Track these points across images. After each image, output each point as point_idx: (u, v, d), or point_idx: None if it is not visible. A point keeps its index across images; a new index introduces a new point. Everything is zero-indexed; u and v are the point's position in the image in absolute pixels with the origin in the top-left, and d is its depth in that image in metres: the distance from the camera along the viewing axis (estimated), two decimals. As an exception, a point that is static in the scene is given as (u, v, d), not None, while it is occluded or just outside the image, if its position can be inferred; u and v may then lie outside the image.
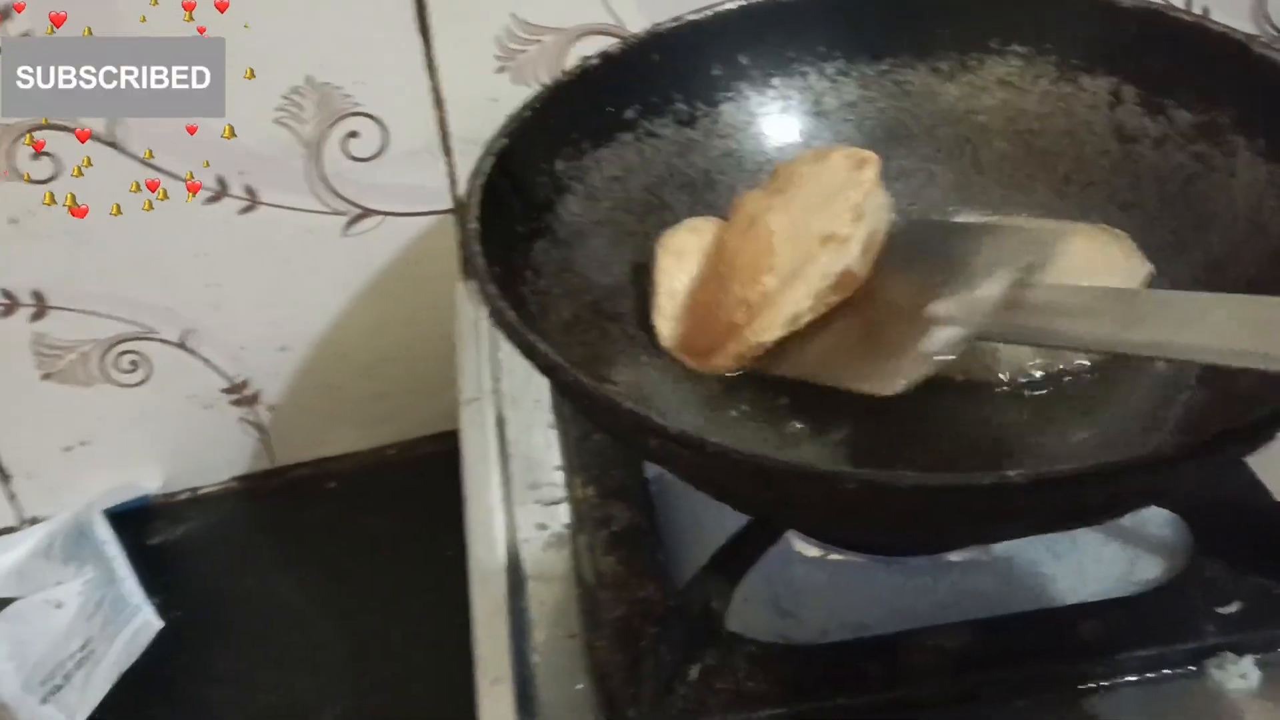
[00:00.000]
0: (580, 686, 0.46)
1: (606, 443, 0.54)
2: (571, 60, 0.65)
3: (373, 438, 0.76)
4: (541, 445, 0.58)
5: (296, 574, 0.72)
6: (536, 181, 0.52)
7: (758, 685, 0.44)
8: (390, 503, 0.74)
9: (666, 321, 0.51)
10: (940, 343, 0.45)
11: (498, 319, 0.42)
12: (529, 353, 0.41)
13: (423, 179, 0.67)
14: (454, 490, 0.58)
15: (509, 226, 0.49)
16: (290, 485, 0.76)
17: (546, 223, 0.52)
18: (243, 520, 0.75)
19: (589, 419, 0.50)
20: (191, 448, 0.73)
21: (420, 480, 0.74)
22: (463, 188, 0.68)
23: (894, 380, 0.45)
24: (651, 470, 0.53)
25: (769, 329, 0.48)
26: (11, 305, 0.66)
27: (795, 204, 0.50)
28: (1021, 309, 0.44)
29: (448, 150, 0.67)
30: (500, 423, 0.60)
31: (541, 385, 0.60)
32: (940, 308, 0.46)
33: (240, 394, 0.72)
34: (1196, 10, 0.70)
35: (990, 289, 0.45)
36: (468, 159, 0.66)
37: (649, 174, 0.56)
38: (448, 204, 0.69)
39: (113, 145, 0.62)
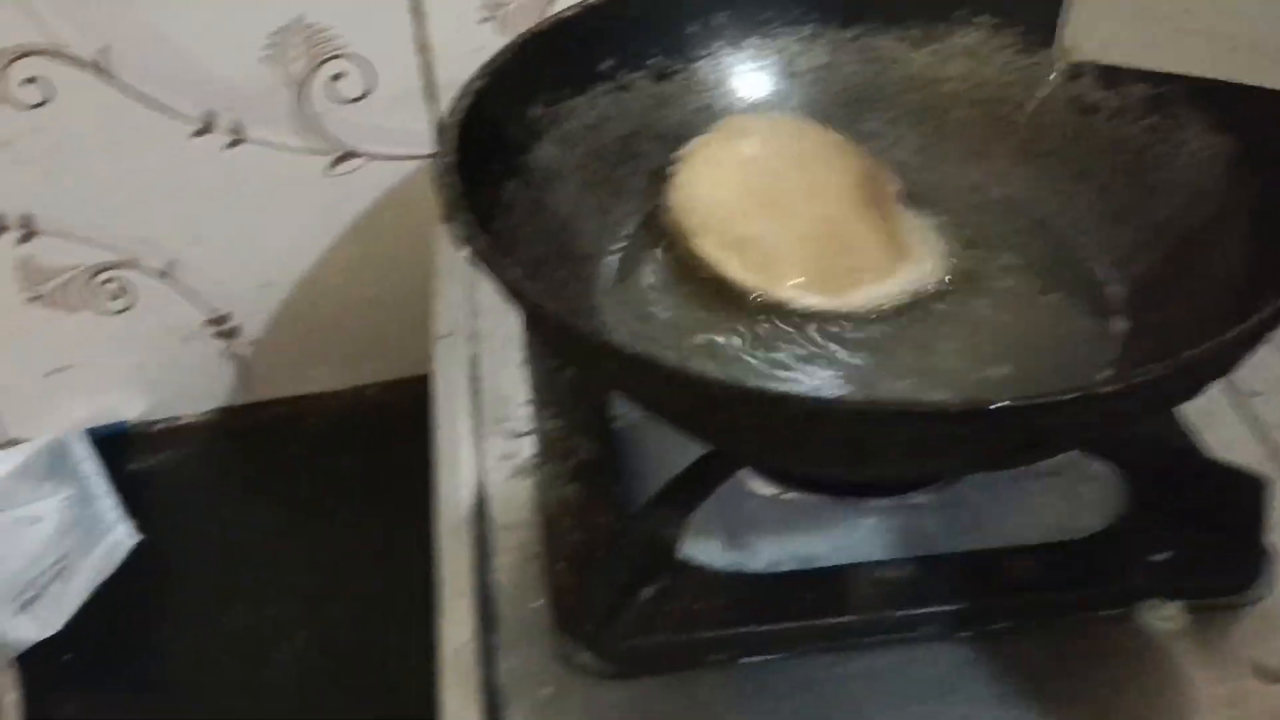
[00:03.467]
0: (539, 604, 0.48)
1: (573, 379, 0.56)
2: (556, 13, 0.66)
3: (352, 377, 0.78)
4: (511, 381, 0.60)
5: (269, 507, 0.73)
6: (511, 124, 0.53)
7: (705, 607, 0.47)
8: (366, 442, 0.76)
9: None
10: None
11: (469, 242, 0.44)
12: (497, 274, 0.42)
13: (407, 123, 0.69)
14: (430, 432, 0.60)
15: (482, 164, 0.50)
16: (268, 420, 0.77)
17: (519, 164, 0.53)
18: (219, 452, 0.76)
19: (552, 346, 0.51)
20: (172, 378, 0.75)
21: (398, 421, 0.75)
22: (445, 132, 0.69)
23: None
24: (617, 408, 0.55)
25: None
26: (0, 228, 0.67)
27: None
28: None
29: (433, 96, 0.68)
30: (473, 358, 0.62)
31: (515, 324, 0.62)
32: None
33: (221, 327, 0.74)
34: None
35: None
36: (452, 106, 0.68)
37: (623, 124, 0.57)
38: (431, 149, 0.70)
39: (103, 73, 0.63)
